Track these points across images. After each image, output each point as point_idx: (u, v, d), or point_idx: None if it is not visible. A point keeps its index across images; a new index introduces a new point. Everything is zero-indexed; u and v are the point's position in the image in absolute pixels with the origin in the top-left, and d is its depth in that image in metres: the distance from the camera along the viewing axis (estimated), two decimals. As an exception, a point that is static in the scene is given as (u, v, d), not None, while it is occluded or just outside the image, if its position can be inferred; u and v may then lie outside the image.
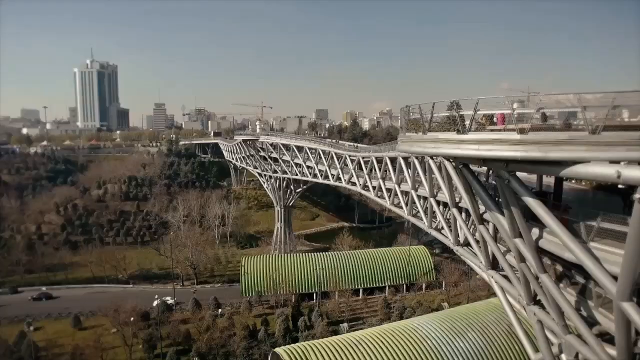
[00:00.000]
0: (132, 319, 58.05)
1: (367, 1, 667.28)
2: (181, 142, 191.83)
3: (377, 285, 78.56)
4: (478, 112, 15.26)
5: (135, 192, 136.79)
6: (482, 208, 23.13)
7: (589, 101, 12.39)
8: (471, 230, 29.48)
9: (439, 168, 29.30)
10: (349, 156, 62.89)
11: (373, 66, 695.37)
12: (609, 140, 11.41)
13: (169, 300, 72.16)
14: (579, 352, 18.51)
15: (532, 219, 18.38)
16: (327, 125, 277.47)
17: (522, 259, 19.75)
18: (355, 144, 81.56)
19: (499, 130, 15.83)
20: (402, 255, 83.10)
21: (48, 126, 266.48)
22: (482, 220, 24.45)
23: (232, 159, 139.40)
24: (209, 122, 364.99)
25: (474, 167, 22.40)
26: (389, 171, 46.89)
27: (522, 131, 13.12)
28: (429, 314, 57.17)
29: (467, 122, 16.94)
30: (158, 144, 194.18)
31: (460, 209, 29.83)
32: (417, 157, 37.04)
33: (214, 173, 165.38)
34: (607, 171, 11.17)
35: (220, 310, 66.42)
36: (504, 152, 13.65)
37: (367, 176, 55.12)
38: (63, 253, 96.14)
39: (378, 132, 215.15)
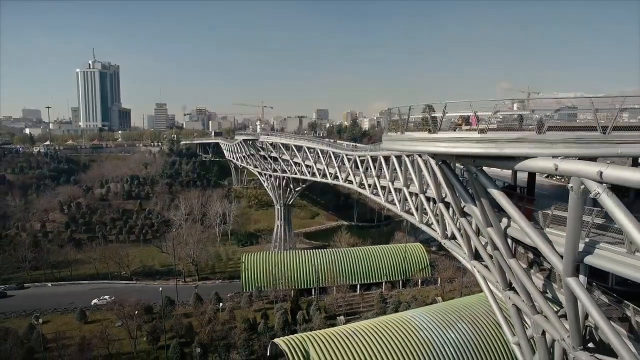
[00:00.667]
0: (136, 312, 60.31)
1: (368, 2, 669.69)
2: (182, 142, 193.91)
3: (374, 281, 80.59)
4: (448, 115, 17.30)
5: (138, 191, 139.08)
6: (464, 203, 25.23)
7: (540, 104, 14.47)
8: (457, 224, 31.56)
9: (427, 166, 31.45)
10: (346, 155, 64.82)
11: (374, 66, 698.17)
12: (551, 139, 13.49)
13: (106, 298, 73.19)
14: (544, 329, 20.61)
15: (503, 210, 20.50)
16: (327, 125, 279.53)
17: (495, 246, 21.86)
18: (355, 144, 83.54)
19: (473, 130, 17.93)
20: (398, 252, 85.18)
21: (51, 126, 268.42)
22: (464, 214, 26.55)
23: (233, 158, 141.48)
24: (210, 122, 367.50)
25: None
26: (384, 169, 48.89)
27: (482, 131, 15.23)
28: (422, 307, 59.27)
29: (451, 123, 19.16)
30: (160, 144, 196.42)
31: (447, 205, 31.89)
32: (408, 156, 39.03)
33: (214, 172, 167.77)
34: (547, 164, 13.24)
35: (221, 305, 68.52)
36: (467, 149, 15.76)
37: (363, 174, 56.95)
38: (67, 250, 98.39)
39: (378, 132, 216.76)
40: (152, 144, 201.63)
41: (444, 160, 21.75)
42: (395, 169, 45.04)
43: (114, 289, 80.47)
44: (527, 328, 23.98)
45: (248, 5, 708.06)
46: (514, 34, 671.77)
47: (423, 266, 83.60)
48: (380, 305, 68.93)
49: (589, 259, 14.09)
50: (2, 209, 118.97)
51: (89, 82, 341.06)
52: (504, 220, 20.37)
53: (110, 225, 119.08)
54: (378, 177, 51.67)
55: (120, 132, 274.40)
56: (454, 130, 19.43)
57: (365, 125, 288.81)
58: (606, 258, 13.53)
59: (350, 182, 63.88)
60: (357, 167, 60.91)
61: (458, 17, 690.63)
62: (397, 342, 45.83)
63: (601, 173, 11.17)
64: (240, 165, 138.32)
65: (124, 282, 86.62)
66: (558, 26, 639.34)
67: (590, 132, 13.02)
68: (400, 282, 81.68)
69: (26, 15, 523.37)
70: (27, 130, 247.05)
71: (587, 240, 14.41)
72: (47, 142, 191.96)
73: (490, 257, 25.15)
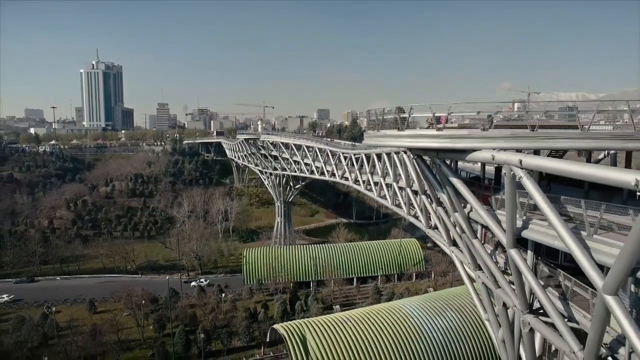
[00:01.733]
0: (143, 302, 63.67)
1: (369, 2, 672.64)
2: (185, 141, 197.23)
3: (370, 274, 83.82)
4: (413, 115, 20.49)
5: (142, 189, 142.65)
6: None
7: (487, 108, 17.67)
8: (437, 214, 34.65)
9: (410, 161, 34.61)
10: (342, 153, 67.85)
11: (375, 66, 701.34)
12: (492, 135, 16.64)
13: (5, 297, 75.08)
14: (504, 301, 23.76)
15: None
16: (328, 125, 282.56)
17: (462, 230, 25.01)
18: (354, 143, 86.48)
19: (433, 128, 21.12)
20: (394, 248, 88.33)
21: (55, 125, 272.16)
22: (440, 203, 29.69)
23: (235, 157, 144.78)
24: (212, 121, 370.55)
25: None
26: (377, 166, 52.03)
27: (439, 129, 18.40)
28: (412, 296, 62.44)
29: (428, 122, 22.39)
30: (162, 143, 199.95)
31: (429, 197, 35.03)
32: (396, 153, 42.18)
33: (216, 171, 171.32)
34: (487, 155, 16.38)
35: (223, 295, 71.79)
36: (427, 143, 18.95)
37: (357, 171, 60.07)
38: (75, 246, 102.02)
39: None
40: (155, 143, 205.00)
41: (419, 155, 24.93)
42: (386, 166, 48.23)
43: (121, 282, 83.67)
44: (495, 306, 27.22)
45: (248, 5, 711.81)
46: (514, 34, 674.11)
47: (417, 261, 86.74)
48: (375, 296, 72.14)
49: (525, 233, 17.24)
50: (11, 206, 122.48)
51: (92, 82, 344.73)
52: (469, 207, 23.51)
53: (115, 222, 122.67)
54: (372, 173, 54.79)
55: (123, 131, 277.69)
56: (427, 128, 22.68)
57: (366, 124, 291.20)
58: (535, 231, 16.68)
59: (346, 179, 66.86)
60: (353, 165, 64.03)
61: (458, 17, 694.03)
62: (388, 328, 49.04)
63: (521, 161, 14.30)
64: (242, 164, 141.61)
65: (130, 275, 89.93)
66: (558, 26, 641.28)
67: (522, 130, 16.17)
68: (395, 275, 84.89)
69: (27, 15, 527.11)
70: (32, 130, 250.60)
71: (524, 217, 17.56)
72: (53, 142, 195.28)
73: (465, 243, 28.37)
